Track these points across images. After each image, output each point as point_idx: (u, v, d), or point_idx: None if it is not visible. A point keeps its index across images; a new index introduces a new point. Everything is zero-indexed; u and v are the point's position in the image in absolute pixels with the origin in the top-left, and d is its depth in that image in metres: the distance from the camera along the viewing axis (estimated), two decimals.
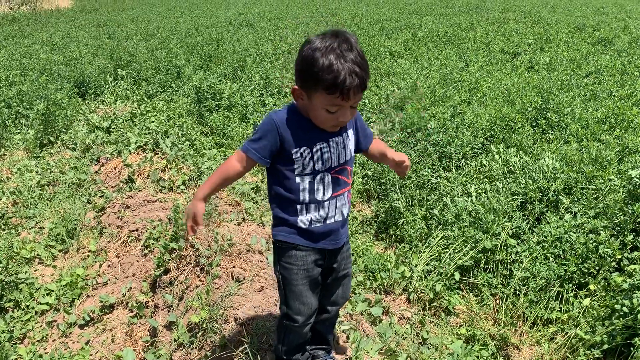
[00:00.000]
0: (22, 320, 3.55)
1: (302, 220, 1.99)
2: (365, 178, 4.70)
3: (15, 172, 5.48)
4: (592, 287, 3.03)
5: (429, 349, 2.78)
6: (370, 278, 3.39)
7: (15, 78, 8.09)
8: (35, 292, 3.73)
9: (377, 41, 10.24)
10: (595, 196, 3.65)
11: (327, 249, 2.07)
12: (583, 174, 3.81)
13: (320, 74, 1.74)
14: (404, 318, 3.10)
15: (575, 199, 3.68)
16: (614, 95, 5.87)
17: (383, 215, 4.24)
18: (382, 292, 3.31)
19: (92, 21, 17.62)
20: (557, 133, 4.92)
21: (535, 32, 10.72)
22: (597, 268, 3.10)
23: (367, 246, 3.83)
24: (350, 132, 2.03)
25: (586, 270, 3.11)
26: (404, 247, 3.77)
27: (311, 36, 1.85)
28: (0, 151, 6.14)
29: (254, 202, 4.24)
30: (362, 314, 2.96)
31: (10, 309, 3.65)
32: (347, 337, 2.68)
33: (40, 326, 3.55)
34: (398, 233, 3.99)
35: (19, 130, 6.61)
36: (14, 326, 3.49)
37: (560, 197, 3.70)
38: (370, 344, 2.62)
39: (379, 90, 6.44)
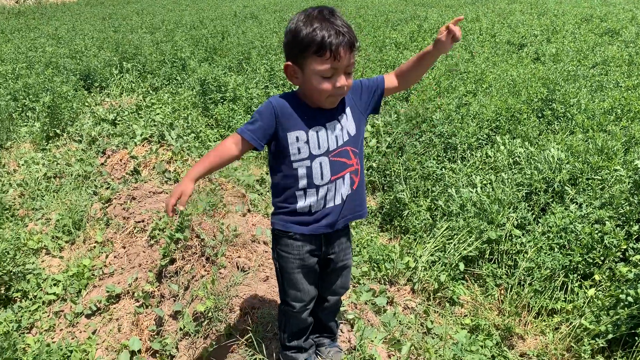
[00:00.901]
0: (29, 310, 3.59)
1: (301, 207, 1.98)
2: (370, 170, 4.69)
3: (22, 165, 5.52)
4: (597, 277, 3.03)
5: (433, 338, 2.79)
6: (375, 268, 3.40)
7: (22, 71, 8.13)
8: (42, 283, 3.76)
9: (383, 33, 10.20)
10: (601, 187, 3.64)
11: (324, 235, 2.06)
12: (589, 165, 3.79)
13: (307, 39, 1.77)
14: (409, 308, 3.11)
15: (581, 190, 3.67)
16: (621, 86, 5.83)
17: (388, 207, 4.24)
18: (387, 283, 3.32)
19: (97, 14, 17.64)
20: (562, 124, 4.90)
21: (542, 24, 10.65)
22: (602, 258, 3.10)
23: (371, 237, 3.84)
24: (348, 110, 2.00)
25: (591, 261, 3.11)
26: (409, 238, 3.77)
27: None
28: (7, 143, 6.17)
29: (259, 194, 4.25)
30: (366, 304, 2.97)
31: (18, 299, 3.68)
32: (352, 326, 2.70)
33: (48, 316, 3.58)
34: (403, 224, 3.99)
35: (25, 123, 6.64)
36: (22, 316, 3.52)
37: (566, 187, 3.69)
38: (375, 332, 2.63)
39: None
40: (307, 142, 1.92)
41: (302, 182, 1.95)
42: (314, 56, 1.79)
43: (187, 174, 1.94)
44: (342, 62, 1.80)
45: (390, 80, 2.09)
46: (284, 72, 1.92)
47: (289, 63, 1.88)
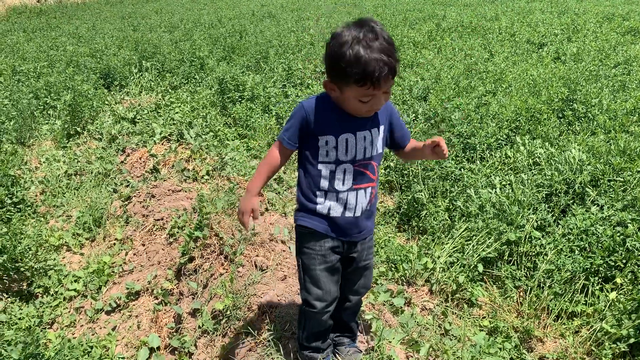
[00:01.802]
0: (51, 306, 3.65)
1: (321, 207, 2.03)
2: (388, 169, 4.68)
3: (44, 162, 5.60)
4: (618, 280, 2.99)
5: (451, 340, 2.78)
6: (393, 269, 3.39)
7: (43, 70, 8.25)
8: (63, 279, 3.82)
9: (401, 32, 10.15)
10: (623, 188, 3.58)
11: (345, 241, 2.10)
12: (610, 166, 3.74)
13: (349, 69, 1.75)
14: (426, 309, 3.10)
15: (602, 191, 3.62)
16: None
17: (405, 207, 4.23)
18: (405, 283, 3.31)
19: (116, 13, 17.83)
20: (583, 124, 4.84)
21: (562, 23, 10.51)
22: (624, 261, 3.05)
23: (389, 237, 3.83)
24: (382, 129, 2.04)
25: (613, 264, 3.07)
26: (427, 238, 3.76)
27: (337, 29, 1.84)
28: (29, 141, 6.27)
29: (276, 193, 4.26)
30: (384, 305, 2.96)
31: (40, 295, 3.74)
32: (370, 327, 2.69)
33: (69, 312, 3.64)
34: (420, 224, 3.98)
35: (46, 121, 6.74)
36: (43, 311, 3.59)
37: (587, 189, 3.64)
38: (393, 333, 2.63)
39: (403, 81, 6.39)
40: (336, 147, 1.95)
41: (324, 184, 2.00)
42: (354, 85, 1.79)
43: (248, 190, 2.05)
44: (381, 90, 1.82)
45: (408, 145, 2.20)
46: (324, 87, 1.92)
47: (328, 81, 1.88)
